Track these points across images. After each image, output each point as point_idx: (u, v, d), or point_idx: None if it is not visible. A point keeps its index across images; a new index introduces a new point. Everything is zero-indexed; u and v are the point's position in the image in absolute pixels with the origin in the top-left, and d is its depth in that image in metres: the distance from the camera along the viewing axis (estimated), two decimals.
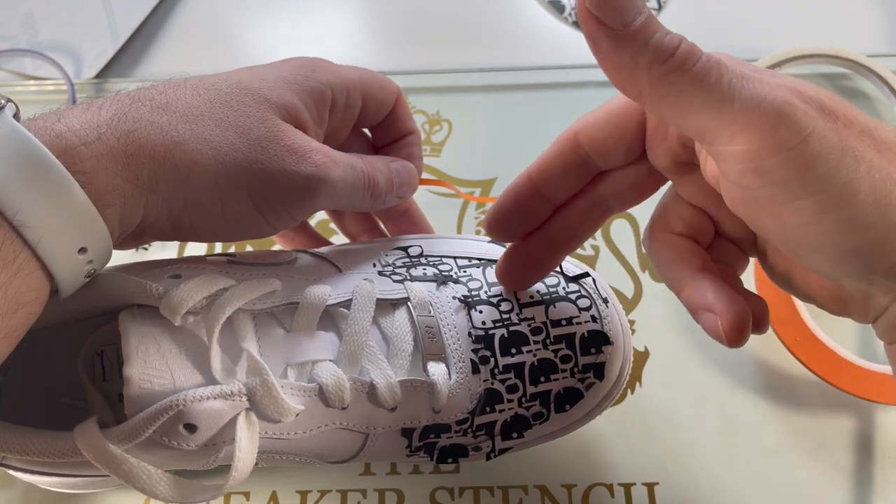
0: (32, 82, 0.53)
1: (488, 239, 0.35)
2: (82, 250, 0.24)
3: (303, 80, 0.29)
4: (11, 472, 0.28)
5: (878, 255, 0.22)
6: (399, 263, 0.32)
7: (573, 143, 0.28)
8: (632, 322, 0.43)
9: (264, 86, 0.28)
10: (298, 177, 0.27)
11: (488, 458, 0.32)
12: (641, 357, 0.42)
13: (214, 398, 0.25)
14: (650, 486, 0.38)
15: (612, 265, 0.45)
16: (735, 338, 0.25)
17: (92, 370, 0.30)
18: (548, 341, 0.31)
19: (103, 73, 0.54)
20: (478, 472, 0.38)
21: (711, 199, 0.28)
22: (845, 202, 0.21)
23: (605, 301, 0.32)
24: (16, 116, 0.24)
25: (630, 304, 0.43)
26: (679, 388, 0.41)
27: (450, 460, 0.32)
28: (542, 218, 0.30)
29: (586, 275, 0.33)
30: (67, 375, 0.30)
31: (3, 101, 0.24)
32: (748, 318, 0.26)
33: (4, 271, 0.22)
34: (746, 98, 0.21)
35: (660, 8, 0.55)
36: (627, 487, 0.38)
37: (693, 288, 0.27)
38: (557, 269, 0.33)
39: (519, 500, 0.38)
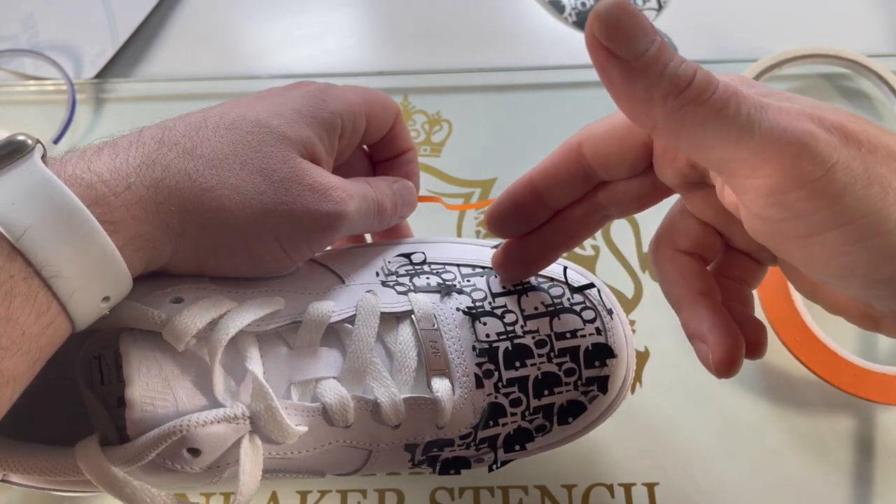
0: (32, 82, 0.53)
1: (491, 244, 0.34)
2: (105, 299, 0.24)
3: (315, 111, 0.29)
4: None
5: None
6: (402, 272, 0.32)
7: (576, 153, 0.28)
8: (632, 322, 0.43)
9: (282, 123, 0.28)
10: (320, 215, 0.28)
11: (490, 469, 0.32)
12: (641, 357, 0.42)
13: (218, 422, 0.25)
14: (650, 487, 0.38)
15: (612, 265, 0.45)
16: (723, 371, 0.25)
17: (90, 374, 0.30)
18: (552, 354, 0.31)
19: (103, 73, 0.53)
20: (478, 473, 0.38)
21: (721, 216, 0.28)
22: (874, 232, 0.21)
23: (610, 312, 0.32)
24: (43, 157, 0.24)
25: (630, 304, 0.43)
26: (679, 388, 0.41)
27: (452, 471, 0.32)
28: (541, 220, 0.30)
29: (591, 285, 0.33)
30: (65, 379, 0.30)
31: (30, 143, 0.23)
32: (739, 351, 0.25)
33: (38, 323, 0.22)
34: (766, 129, 0.20)
35: (660, 8, 0.55)
36: (627, 488, 0.38)
37: (690, 313, 0.27)
38: (562, 279, 0.33)
39: (519, 501, 0.38)
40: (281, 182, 0.27)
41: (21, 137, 0.23)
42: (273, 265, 0.29)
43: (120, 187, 0.24)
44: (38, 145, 0.24)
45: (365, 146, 0.37)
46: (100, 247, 0.23)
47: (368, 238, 0.39)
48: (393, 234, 0.37)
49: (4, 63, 0.54)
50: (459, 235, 0.46)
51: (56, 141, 0.49)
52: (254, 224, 0.27)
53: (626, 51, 0.20)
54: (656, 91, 0.21)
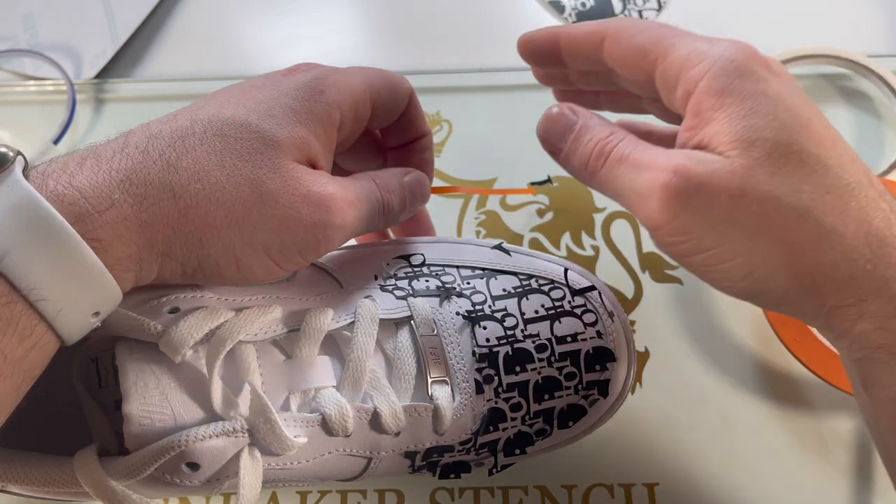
0: (32, 82, 0.53)
1: (491, 244, 0.34)
2: (96, 314, 0.24)
3: (311, 107, 0.28)
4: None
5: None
6: (401, 274, 0.32)
7: (598, 43, 0.30)
8: (632, 322, 0.43)
9: (273, 125, 0.27)
10: (315, 227, 0.27)
11: (490, 473, 0.32)
12: (642, 357, 0.42)
13: (217, 436, 0.25)
14: (650, 487, 0.38)
15: (612, 265, 0.45)
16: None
17: (87, 377, 0.29)
18: (552, 359, 0.31)
19: (103, 73, 0.53)
20: (478, 474, 0.38)
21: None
22: (725, 259, 0.26)
23: (611, 315, 0.32)
24: (24, 169, 0.23)
25: (630, 304, 0.43)
26: (679, 388, 0.41)
27: (452, 476, 0.32)
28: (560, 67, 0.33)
29: (592, 288, 0.32)
30: (62, 382, 0.29)
31: (11, 155, 0.23)
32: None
33: (21, 346, 0.22)
34: (636, 189, 0.27)
35: (660, 8, 0.55)
36: (627, 488, 0.38)
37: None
38: (563, 281, 0.32)
39: (519, 501, 0.38)
40: (271, 194, 0.26)
41: (2, 150, 0.23)
42: (265, 276, 0.28)
43: (103, 205, 0.23)
44: (19, 157, 0.23)
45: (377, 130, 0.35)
46: (86, 266, 0.22)
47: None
48: (413, 224, 0.36)
49: (4, 63, 0.54)
50: (459, 235, 0.46)
51: (56, 141, 0.49)
52: (240, 240, 0.26)
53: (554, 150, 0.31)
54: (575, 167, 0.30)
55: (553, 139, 0.30)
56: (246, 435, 0.26)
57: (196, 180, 0.25)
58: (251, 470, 0.26)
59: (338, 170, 0.36)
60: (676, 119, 0.32)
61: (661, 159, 0.27)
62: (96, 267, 0.23)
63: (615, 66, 0.30)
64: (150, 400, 0.25)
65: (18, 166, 0.23)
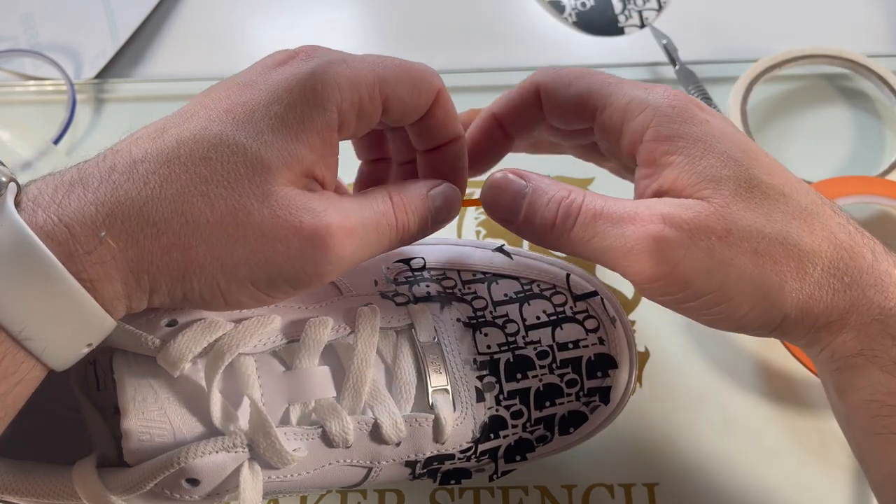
0: (32, 82, 0.53)
1: (492, 246, 0.34)
2: (89, 345, 0.23)
3: (303, 114, 0.25)
4: None
5: (766, 333, 0.28)
6: (402, 279, 0.31)
7: (535, 95, 0.31)
8: (632, 322, 0.43)
9: (260, 145, 0.24)
10: (306, 263, 0.25)
11: (491, 479, 0.32)
12: (642, 357, 0.42)
13: (217, 452, 0.25)
14: (650, 487, 0.38)
15: None
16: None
17: (85, 380, 0.29)
18: (554, 365, 0.31)
19: (103, 74, 0.54)
20: (478, 478, 0.38)
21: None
22: (719, 301, 0.26)
23: (613, 321, 0.32)
24: (17, 198, 0.22)
25: (630, 304, 0.43)
26: (679, 388, 0.41)
27: (452, 482, 0.32)
28: (505, 153, 0.34)
29: (595, 293, 0.32)
30: (61, 384, 0.29)
31: (3, 181, 0.22)
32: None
33: (4, 383, 0.22)
34: (619, 247, 0.26)
35: (660, 8, 0.55)
36: (627, 488, 0.38)
37: None
38: (565, 286, 0.32)
39: (519, 501, 0.38)
40: (257, 227, 0.24)
41: None
42: (255, 305, 0.26)
43: (91, 244, 0.22)
44: (12, 185, 0.22)
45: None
46: (81, 306, 0.22)
47: None
48: (446, 167, 0.32)
49: (4, 63, 0.54)
50: (460, 235, 0.46)
51: (56, 141, 0.49)
52: (223, 275, 0.24)
53: (503, 217, 0.29)
54: (536, 230, 0.28)
55: (504, 206, 0.29)
56: (246, 450, 0.26)
57: (179, 213, 0.23)
58: (251, 484, 0.26)
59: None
60: (596, 158, 0.34)
61: (640, 210, 0.26)
62: (89, 307, 0.22)
63: (553, 117, 0.31)
64: (149, 415, 0.25)
65: (10, 195, 0.22)
